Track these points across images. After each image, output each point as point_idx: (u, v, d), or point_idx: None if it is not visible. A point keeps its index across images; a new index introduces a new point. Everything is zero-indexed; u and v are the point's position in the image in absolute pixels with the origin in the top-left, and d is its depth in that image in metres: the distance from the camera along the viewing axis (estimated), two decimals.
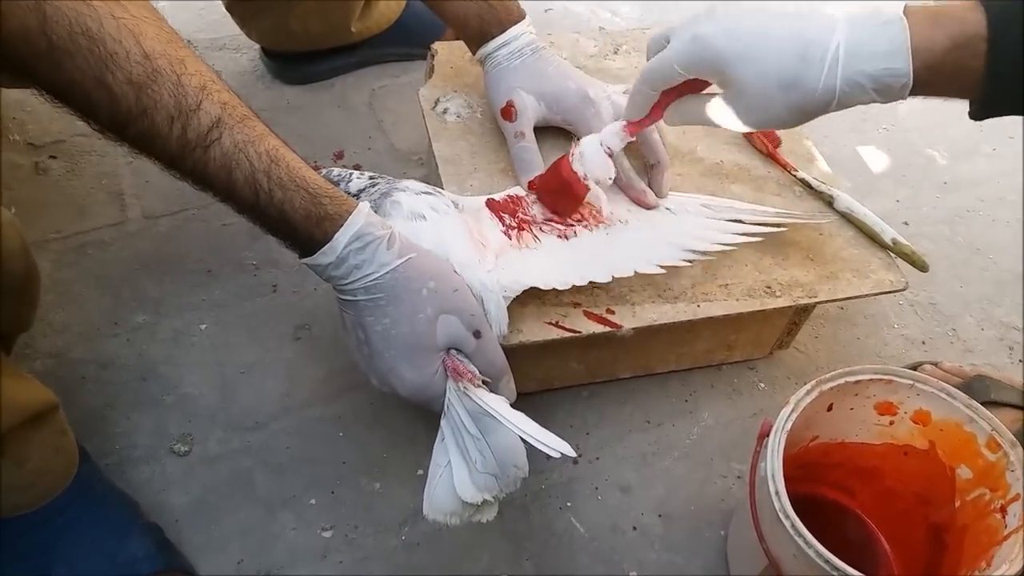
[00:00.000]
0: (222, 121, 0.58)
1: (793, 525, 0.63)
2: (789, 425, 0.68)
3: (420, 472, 0.87)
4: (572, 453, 0.63)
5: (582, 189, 0.76)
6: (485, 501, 0.66)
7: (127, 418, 0.89)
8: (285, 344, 0.97)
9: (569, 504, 0.86)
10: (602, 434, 0.92)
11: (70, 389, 0.89)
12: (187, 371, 0.93)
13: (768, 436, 0.68)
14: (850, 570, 0.60)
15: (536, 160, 0.83)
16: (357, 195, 0.73)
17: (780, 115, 0.60)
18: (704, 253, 0.80)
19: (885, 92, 0.57)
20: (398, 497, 0.85)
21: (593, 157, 0.75)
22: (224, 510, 0.83)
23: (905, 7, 0.56)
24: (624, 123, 0.73)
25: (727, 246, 0.81)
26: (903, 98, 0.58)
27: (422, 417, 0.90)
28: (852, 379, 0.72)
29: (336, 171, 0.75)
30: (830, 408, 0.75)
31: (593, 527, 0.85)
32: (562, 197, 0.78)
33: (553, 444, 0.64)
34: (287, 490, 0.85)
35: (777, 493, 0.64)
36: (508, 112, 0.85)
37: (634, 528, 0.85)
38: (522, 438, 0.65)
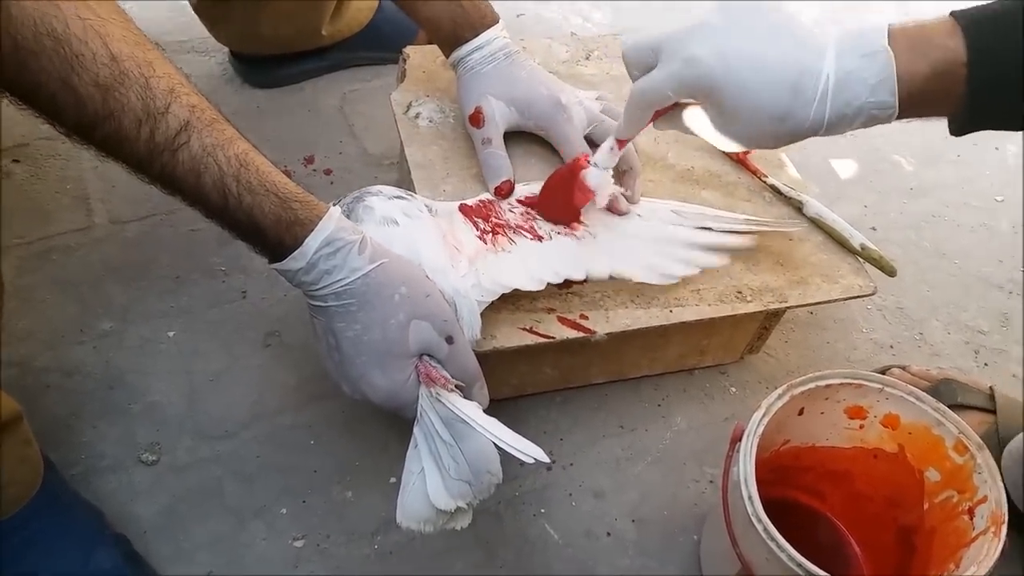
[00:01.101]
0: (191, 124, 0.57)
1: (765, 529, 0.63)
2: (761, 429, 0.69)
3: (393, 480, 0.86)
4: (545, 459, 0.63)
5: (585, 203, 0.78)
6: (459, 508, 0.66)
7: (93, 427, 0.87)
8: (255, 351, 0.95)
9: (543, 510, 0.86)
10: (576, 439, 0.92)
11: (34, 398, 0.87)
12: (155, 379, 0.92)
13: (740, 440, 0.68)
14: (821, 573, 0.61)
15: (504, 165, 0.83)
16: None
17: (768, 142, 0.61)
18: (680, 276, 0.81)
19: (871, 121, 0.58)
20: (370, 506, 0.84)
21: (597, 180, 0.76)
22: (193, 520, 0.82)
23: (889, 31, 0.56)
24: (614, 141, 0.73)
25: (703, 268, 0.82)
26: (888, 123, 0.59)
27: (394, 425, 0.89)
28: (822, 383, 0.73)
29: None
30: (801, 412, 0.76)
31: (567, 533, 0.85)
32: (566, 211, 0.80)
33: (526, 450, 0.63)
34: (257, 499, 0.84)
35: (750, 497, 0.65)
36: (476, 118, 0.84)
37: (608, 534, 0.85)
38: (496, 444, 0.64)
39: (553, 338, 0.77)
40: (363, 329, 0.64)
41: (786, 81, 0.57)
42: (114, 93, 0.54)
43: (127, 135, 0.55)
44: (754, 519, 0.64)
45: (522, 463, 0.63)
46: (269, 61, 1.26)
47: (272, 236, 0.61)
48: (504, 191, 0.82)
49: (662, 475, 0.90)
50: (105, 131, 0.55)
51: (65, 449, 0.84)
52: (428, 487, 0.65)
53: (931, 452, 0.74)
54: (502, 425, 0.65)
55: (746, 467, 0.66)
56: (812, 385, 0.72)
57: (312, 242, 0.62)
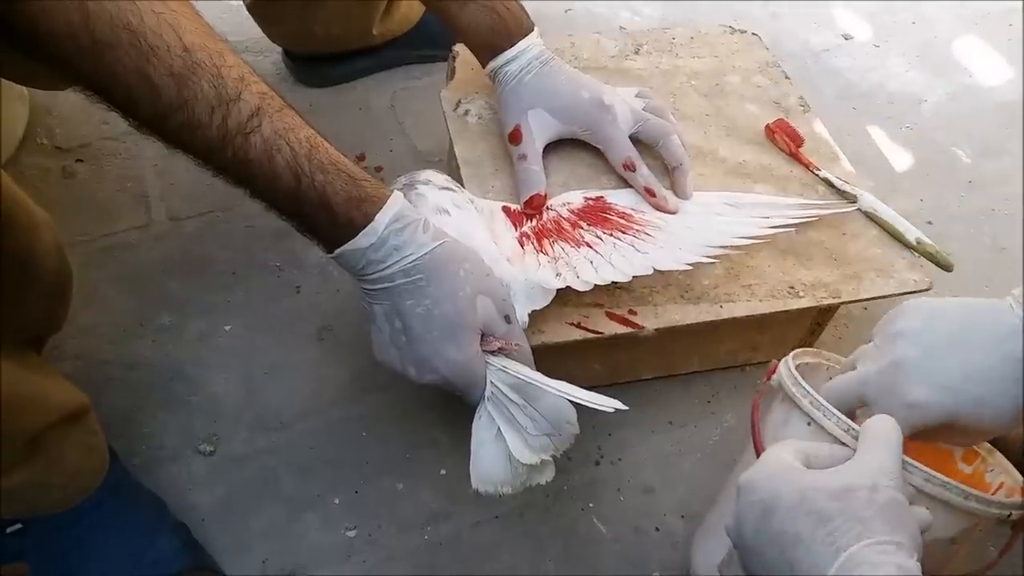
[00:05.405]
0: (262, 110, 0.59)
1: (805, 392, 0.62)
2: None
3: (443, 472, 0.87)
4: (624, 407, 0.66)
5: None
6: (543, 461, 0.68)
7: (154, 418, 0.90)
8: (309, 345, 0.97)
9: (591, 505, 0.86)
10: (624, 435, 0.92)
11: (97, 390, 0.90)
12: (212, 372, 0.94)
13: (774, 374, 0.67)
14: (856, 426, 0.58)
15: (536, 180, 0.83)
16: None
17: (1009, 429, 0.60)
18: (728, 247, 0.80)
19: None
20: (421, 497, 0.86)
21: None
22: (249, 510, 0.84)
23: None
24: None
25: (752, 239, 0.81)
26: None
27: (444, 417, 0.90)
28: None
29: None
30: None
31: (616, 528, 0.85)
32: None
33: (602, 401, 0.67)
34: (311, 490, 0.86)
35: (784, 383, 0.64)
36: (515, 136, 0.85)
37: (657, 529, 0.85)
38: (570, 401, 0.67)
39: (601, 333, 0.77)
40: (433, 303, 0.65)
41: (1007, 377, 0.56)
42: (188, 82, 0.56)
43: (200, 122, 0.57)
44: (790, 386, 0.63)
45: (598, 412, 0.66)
46: (321, 60, 1.28)
47: (342, 214, 0.62)
48: (534, 204, 0.82)
49: (712, 471, 0.90)
50: (178, 120, 0.57)
51: (126, 440, 0.87)
52: (509, 446, 0.67)
53: (940, 467, 0.70)
54: (570, 384, 0.67)
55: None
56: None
57: (383, 217, 0.63)
